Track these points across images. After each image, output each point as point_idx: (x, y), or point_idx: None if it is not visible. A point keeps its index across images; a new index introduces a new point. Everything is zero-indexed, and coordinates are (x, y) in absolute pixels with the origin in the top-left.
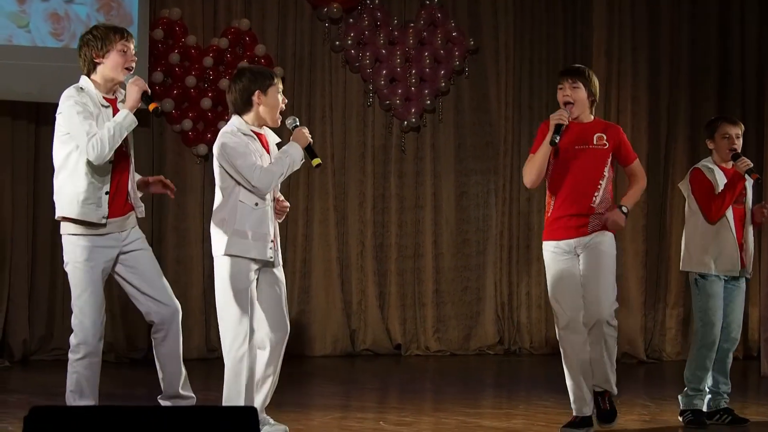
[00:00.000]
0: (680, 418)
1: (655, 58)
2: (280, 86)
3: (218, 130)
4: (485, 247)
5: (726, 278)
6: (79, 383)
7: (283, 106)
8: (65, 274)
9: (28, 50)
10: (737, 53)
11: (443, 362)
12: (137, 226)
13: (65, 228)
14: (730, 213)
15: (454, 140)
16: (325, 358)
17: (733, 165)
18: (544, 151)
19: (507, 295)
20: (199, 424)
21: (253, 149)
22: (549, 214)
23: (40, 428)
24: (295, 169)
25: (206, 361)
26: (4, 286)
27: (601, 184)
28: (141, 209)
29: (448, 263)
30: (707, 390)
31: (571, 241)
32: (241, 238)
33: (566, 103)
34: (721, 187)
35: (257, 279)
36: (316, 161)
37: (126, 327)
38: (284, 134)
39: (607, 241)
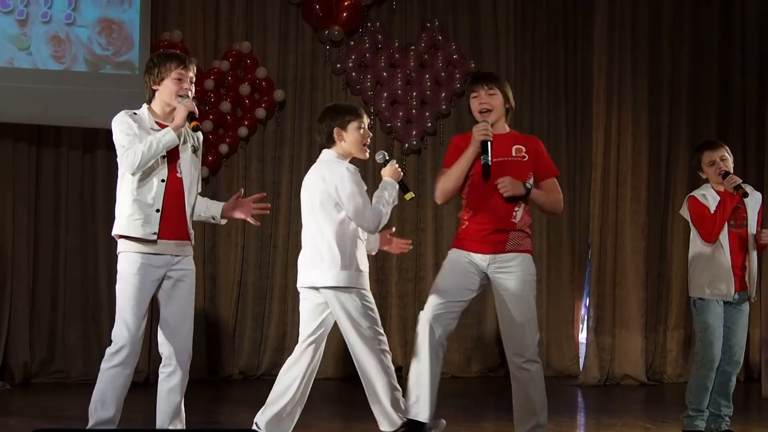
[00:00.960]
0: None
1: (655, 79)
2: (364, 121)
3: (219, 152)
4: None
5: (723, 302)
6: (105, 393)
7: (368, 140)
8: (66, 296)
9: (30, 73)
10: (738, 74)
11: (445, 385)
12: (191, 257)
13: (120, 246)
14: (725, 237)
15: None
16: (326, 380)
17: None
18: (462, 167)
19: None
20: None
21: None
22: (465, 226)
23: None
24: (395, 204)
25: (207, 382)
26: (5, 308)
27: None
28: (191, 235)
29: None
30: (709, 412)
31: (486, 256)
32: (357, 272)
33: (483, 111)
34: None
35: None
36: (409, 195)
37: None
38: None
39: (525, 264)
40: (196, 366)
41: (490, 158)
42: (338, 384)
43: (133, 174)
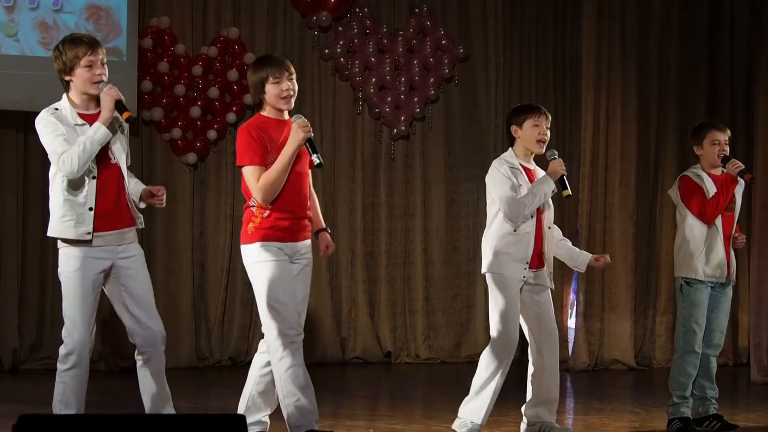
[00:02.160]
0: (667, 428)
1: (644, 65)
2: (540, 120)
3: (207, 139)
4: (475, 255)
5: (712, 285)
6: (66, 394)
7: (541, 137)
8: (55, 283)
9: (17, 59)
10: (726, 60)
11: (433, 370)
12: (137, 242)
13: (59, 242)
14: (719, 219)
15: (444, 148)
16: (315, 365)
17: (723, 169)
18: (288, 165)
19: None
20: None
21: (514, 181)
22: (265, 215)
23: None
24: (546, 200)
25: (196, 369)
26: None
27: (309, 187)
28: (140, 220)
29: (438, 271)
30: (695, 396)
31: (295, 244)
32: (498, 258)
33: (289, 97)
34: (710, 193)
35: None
36: (566, 193)
37: (115, 336)
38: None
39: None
40: (185, 352)
41: (320, 156)
42: (326, 369)
43: (74, 178)
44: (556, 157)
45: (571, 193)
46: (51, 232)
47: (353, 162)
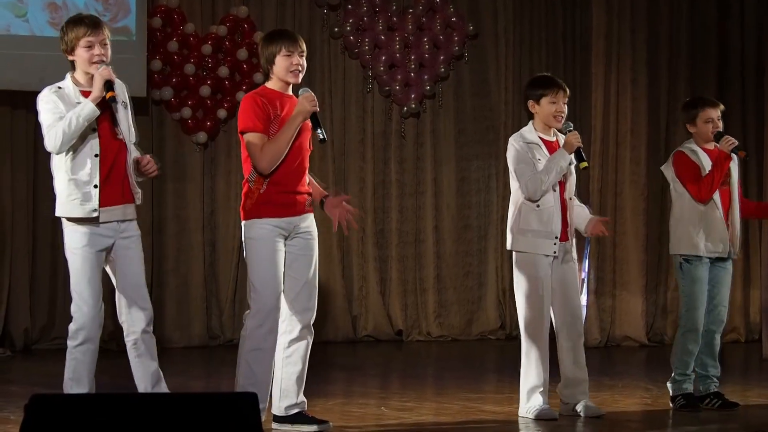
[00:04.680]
0: (671, 404)
1: (654, 41)
2: (557, 98)
3: (217, 118)
4: (486, 232)
5: (713, 260)
6: (77, 370)
7: (558, 113)
8: (66, 263)
9: (27, 40)
10: (737, 35)
11: (445, 347)
12: (136, 221)
13: (64, 220)
14: (716, 194)
15: (455, 126)
16: (327, 344)
17: (716, 145)
18: (292, 136)
19: (508, 280)
20: (199, 410)
21: (531, 156)
22: (262, 190)
23: (41, 416)
24: (563, 173)
25: (207, 348)
26: (5, 275)
27: (307, 159)
28: (138, 195)
29: (450, 249)
30: (697, 374)
31: (293, 219)
32: (524, 236)
33: (294, 71)
34: (707, 169)
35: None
36: (583, 164)
37: None
38: None
39: (314, 223)
40: (196, 331)
41: (324, 131)
42: (338, 347)
43: (57, 154)
44: (571, 129)
45: (588, 164)
46: (59, 212)
47: (363, 140)
